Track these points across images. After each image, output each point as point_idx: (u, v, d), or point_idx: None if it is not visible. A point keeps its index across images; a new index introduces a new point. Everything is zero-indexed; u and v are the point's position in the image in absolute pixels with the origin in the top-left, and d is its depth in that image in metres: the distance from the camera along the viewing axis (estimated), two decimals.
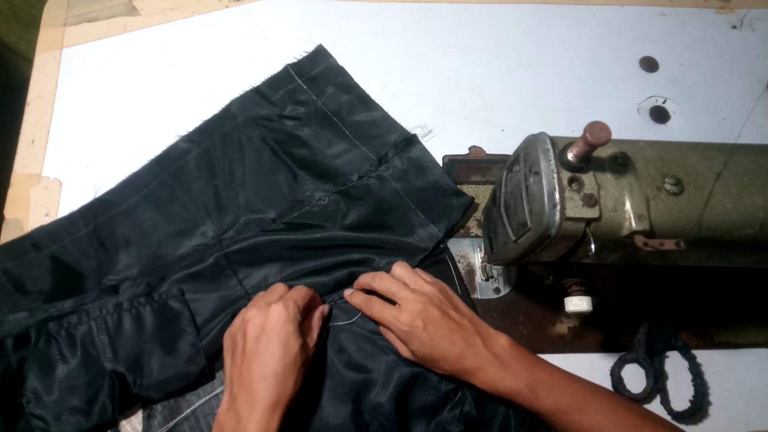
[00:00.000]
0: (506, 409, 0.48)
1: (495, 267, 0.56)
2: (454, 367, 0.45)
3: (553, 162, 0.37)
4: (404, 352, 0.47)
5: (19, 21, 0.82)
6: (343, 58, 0.64)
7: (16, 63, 0.87)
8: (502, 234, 0.46)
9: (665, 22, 0.71)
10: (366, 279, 0.50)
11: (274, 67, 0.63)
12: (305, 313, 0.47)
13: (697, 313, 0.55)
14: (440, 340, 0.44)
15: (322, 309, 0.49)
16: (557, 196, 0.36)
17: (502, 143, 0.62)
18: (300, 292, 0.47)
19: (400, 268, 0.50)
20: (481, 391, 0.45)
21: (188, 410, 0.47)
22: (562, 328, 0.54)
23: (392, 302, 0.48)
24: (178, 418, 0.47)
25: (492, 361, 0.44)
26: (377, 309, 0.48)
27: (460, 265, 0.56)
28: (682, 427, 0.46)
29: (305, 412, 0.47)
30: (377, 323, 0.49)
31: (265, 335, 0.42)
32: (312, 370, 0.48)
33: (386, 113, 0.61)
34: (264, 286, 0.51)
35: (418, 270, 0.51)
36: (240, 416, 0.40)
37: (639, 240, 0.36)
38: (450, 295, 0.49)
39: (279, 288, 0.48)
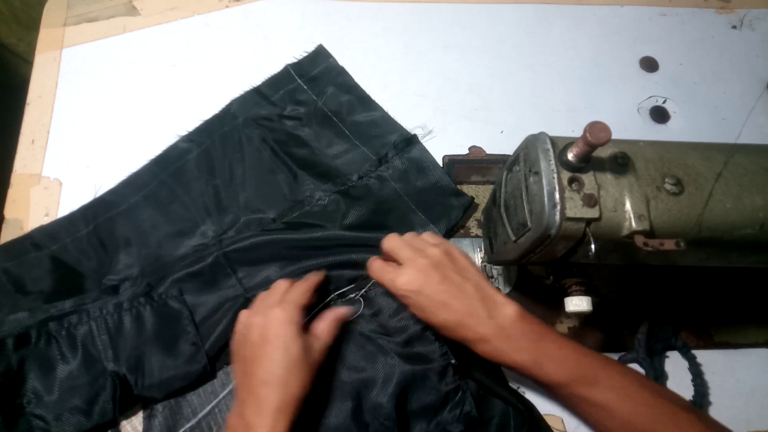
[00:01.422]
0: (506, 407, 0.48)
1: (495, 267, 0.56)
2: (452, 336, 0.43)
3: (553, 162, 0.37)
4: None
5: (19, 22, 0.82)
6: (343, 58, 0.64)
7: (16, 64, 0.87)
8: (502, 234, 0.46)
9: (665, 22, 0.71)
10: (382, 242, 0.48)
11: (274, 67, 0.63)
12: (315, 297, 0.47)
13: (697, 313, 0.55)
14: (438, 308, 0.43)
15: (337, 313, 0.48)
16: (557, 196, 0.36)
17: (501, 143, 0.62)
18: (299, 290, 0.46)
19: (409, 234, 0.48)
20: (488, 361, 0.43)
21: (193, 420, 0.47)
22: (562, 328, 0.54)
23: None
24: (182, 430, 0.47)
25: (494, 333, 0.42)
26: (376, 268, 0.46)
27: None
28: None
29: (305, 412, 0.47)
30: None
31: (265, 341, 0.42)
32: None
33: (386, 113, 0.61)
34: (263, 285, 0.51)
35: (428, 233, 0.49)
36: (247, 420, 0.40)
37: (639, 240, 0.36)
38: (455, 258, 0.45)
39: (280, 286, 0.47)
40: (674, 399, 0.42)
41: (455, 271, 0.44)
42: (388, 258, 0.48)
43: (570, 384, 0.41)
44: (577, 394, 0.41)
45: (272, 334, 0.42)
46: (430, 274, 0.43)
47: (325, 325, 0.46)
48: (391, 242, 0.47)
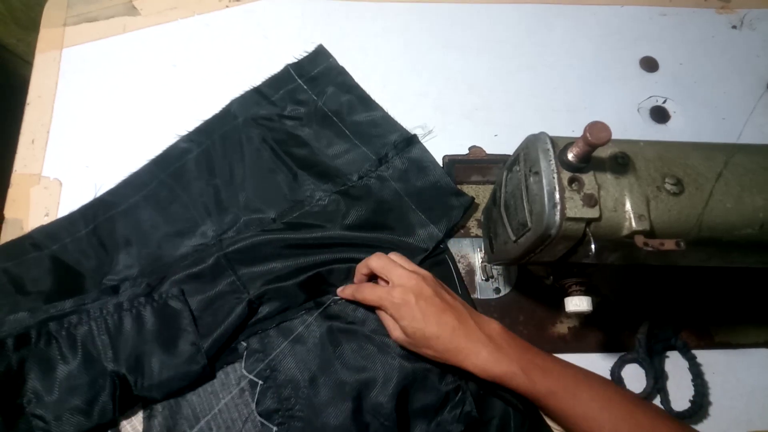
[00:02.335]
0: (505, 407, 0.48)
1: (495, 267, 0.56)
2: (446, 347, 0.44)
3: (553, 162, 0.37)
4: (395, 331, 0.46)
5: (18, 23, 0.82)
6: (343, 58, 0.64)
7: (15, 65, 0.88)
8: (502, 234, 0.46)
9: (665, 21, 0.71)
10: (362, 263, 0.50)
11: (274, 67, 0.63)
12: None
13: (698, 313, 0.55)
14: (432, 317, 0.44)
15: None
16: (557, 196, 0.36)
17: (501, 143, 0.62)
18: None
19: (395, 255, 0.50)
20: (473, 377, 0.44)
21: (203, 422, 0.47)
22: (563, 328, 0.54)
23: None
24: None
25: (485, 343, 0.44)
26: (368, 290, 0.47)
27: (460, 265, 0.56)
28: None
29: (305, 413, 0.47)
30: (373, 310, 0.49)
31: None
32: (312, 369, 0.48)
33: (386, 113, 0.61)
34: (264, 284, 0.51)
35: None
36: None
37: (639, 240, 0.36)
38: (441, 282, 0.49)
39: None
40: (655, 409, 0.44)
41: (444, 290, 0.47)
42: (363, 281, 0.50)
43: (555, 394, 0.43)
44: (563, 405, 0.43)
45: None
46: (423, 287, 0.45)
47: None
48: (382, 261, 0.48)
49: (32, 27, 0.66)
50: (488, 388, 0.48)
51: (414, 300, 0.44)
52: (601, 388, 0.44)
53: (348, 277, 0.53)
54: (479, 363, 0.43)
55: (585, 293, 0.44)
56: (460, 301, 0.47)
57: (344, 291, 0.51)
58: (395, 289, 0.45)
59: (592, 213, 0.36)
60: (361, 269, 0.50)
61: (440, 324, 0.44)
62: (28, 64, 0.63)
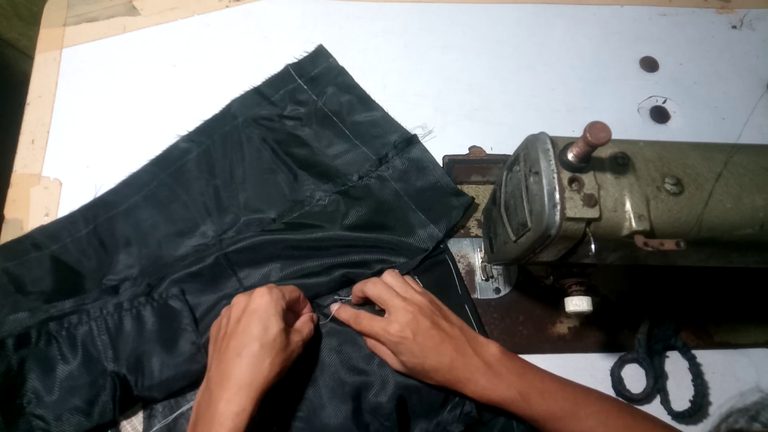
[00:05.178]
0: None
1: (495, 267, 0.56)
2: (446, 378, 0.44)
3: (553, 162, 0.37)
4: (395, 364, 0.47)
5: (20, 17, 0.82)
6: (343, 58, 0.64)
7: (17, 59, 0.88)
8: (502, 234, 0.46)
9: (665, 22, 0.71)
10: (359, 286, 0.50)
11: (274, 67, 0.63)
12: (292, 316, 0.47)
13: (697, 313, 0.55)
14: (430, 351, 0.44)
15: (312, 315, 0.49)
16: (557, 196, 0.36)
17: (502, 143, 0.62)
18: (289, 287, 0.47)
19: (391, 276, 0.49)
20: (475, 402, 0.45)
21: (186, 406, 0.47)
22: (562, 328, 0.54)
23: (381, 313, 0.48)
24: (176, 413, 0.47)
25: (483, 371, 0.44)
26: (366, 323, 0.47)
27: (460, 265, 0.56)
28: (681, 427, 0.46)
29: (305, 413, 0.47)
30: (363, 337, 0.49)
31: (245, 315, 0.42)
32: (312, 370, 0.48)
33: (386, 113, 0.61)
34: (263, 285, 0.51)
35: (407, 278, 0.50)
36: (212, 395, 0.39)
37: (639, 240, 0.36)
38: (440, 306, 0.48)
39: (269, 284, 0.48)
40: (652, 419, 0.44)
41: (441, 317, 0.46)
42: (359, 302, 0.50)
43: (554, 415, 0.43)
44: (563, 426, 0.43)
45: (254, 309, 0.42)
46: (420, 320, 0.45)
47: (305, 319, 0.47)
48: (378, 289, 0.47)
49: (34, 21, 0.66)
50: (490, 410, 0.48)
51: (412, 336, 0.44)
52: (599, 403, 0.44)
53: (347, 281, 0.53)
54: (478, 390, 0.44)
55: (585, 293, 0.44)
56: (458, 325, 0.47)
57: (340, 313, 0.50)
58: (392, 326, 0.45)
59: (592, 213, 0.36)
60: (357, 293, 0.50)
61: (439, 356, 0.44)
62: (30, 58, 0.63)
